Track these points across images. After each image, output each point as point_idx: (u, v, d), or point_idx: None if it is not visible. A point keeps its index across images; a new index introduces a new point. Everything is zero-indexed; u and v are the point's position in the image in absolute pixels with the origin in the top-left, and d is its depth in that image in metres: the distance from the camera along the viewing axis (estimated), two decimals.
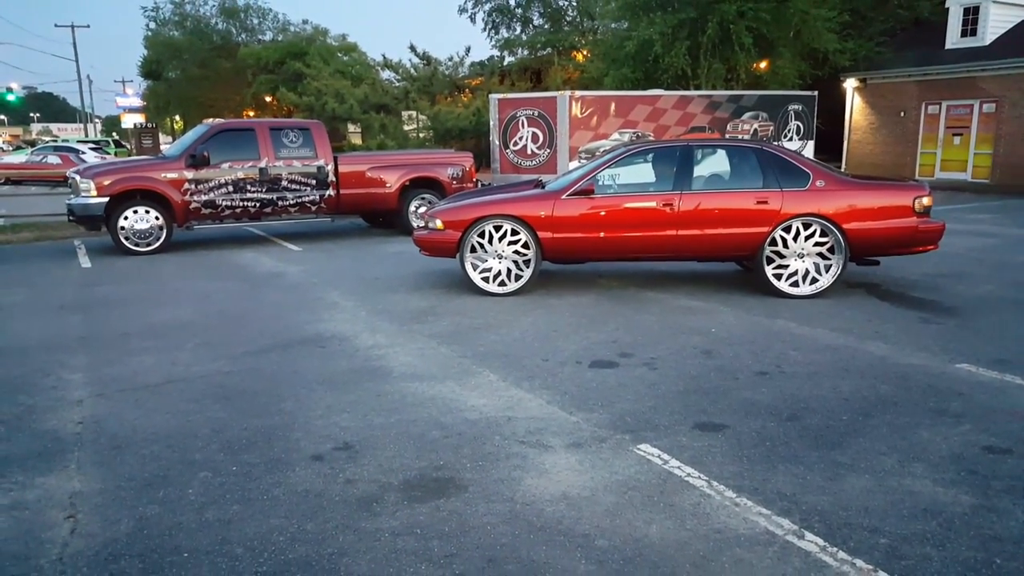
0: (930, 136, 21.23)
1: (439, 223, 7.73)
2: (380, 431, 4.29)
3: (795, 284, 7.44)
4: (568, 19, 31.79)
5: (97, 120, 70.05)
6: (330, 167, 11.90)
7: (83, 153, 28.31)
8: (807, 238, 7.33)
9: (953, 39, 21.00)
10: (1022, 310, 6.87)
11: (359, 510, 3.41)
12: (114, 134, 50.26)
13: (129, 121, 46.17)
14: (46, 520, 3.40)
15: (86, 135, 52.12)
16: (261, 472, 3.81)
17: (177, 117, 52.39)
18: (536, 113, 15.37)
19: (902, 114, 21.67)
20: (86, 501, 3.55)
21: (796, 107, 18.62)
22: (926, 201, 7.37)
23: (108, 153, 31.30)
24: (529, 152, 15.52)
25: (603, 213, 7.46)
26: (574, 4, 31.55)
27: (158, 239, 11.00)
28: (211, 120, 12.60)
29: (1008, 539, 3.11)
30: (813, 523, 3.24)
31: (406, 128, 25.36)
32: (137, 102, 51.05)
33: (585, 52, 27.39)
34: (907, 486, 3.56)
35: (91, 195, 10.65)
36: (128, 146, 36.79)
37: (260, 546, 3.14)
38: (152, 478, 3.77)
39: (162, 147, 35.42)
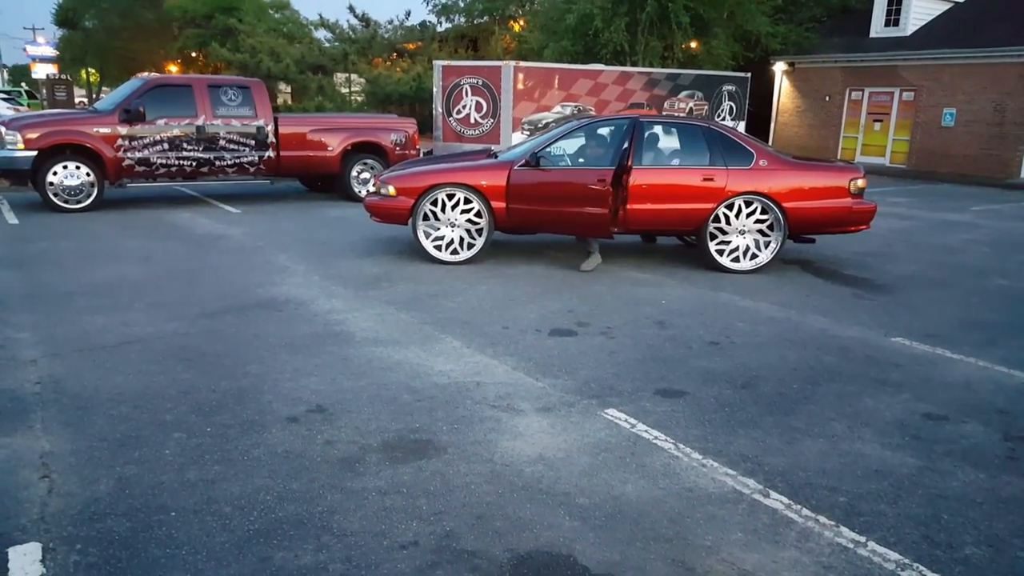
0: (853, 121, 22.11)
1: (392, 189, 7.70)
2: (351, 395, 4.33)
3: (736, 259, 7.74)
4: None
5: (3, 69, 65.61)
6: (270, 127, 11.62)
7: None
8: (748, 215, 7.63)
9: (877, 28, 21.85)
10: (946, 288, 7.36)
11: (343, 470, 3.47)
12: (23, 84, 47.25)
13: (41, 72, 43.44)
14: (19, 480, 3.33)
15: None
16: (237, 433, 3.81)
17: (92, 69, 49.54)
18: (480, 82, 15.29)
19: (827, 99, 22.48)
20: (59, 461, 3.49)
21: (730, 88, 19.11)
22: (860, 183, 7.77)
23: (21, 104, 29.56)
24: (472, 121, 15.46)
25: (555, 184, 7.57)
26: None
27: (89, 196, 10.56)
28: (146, 74, 12.08)
29: (952, 497, 3.41)
30: (776, 483, 3.48)
31: (342, 91, 24.76)
32: (50, 51, 47.94)
33: (522, 22, 27.26)
34: (858, 449, 3.84)
35: (18, 148, 10.13)
36: (40, 98, 34.78)
37: (248, 505, 3.16)
38: (125, 439, 3.72)
39: (76, 100, 33.57)
